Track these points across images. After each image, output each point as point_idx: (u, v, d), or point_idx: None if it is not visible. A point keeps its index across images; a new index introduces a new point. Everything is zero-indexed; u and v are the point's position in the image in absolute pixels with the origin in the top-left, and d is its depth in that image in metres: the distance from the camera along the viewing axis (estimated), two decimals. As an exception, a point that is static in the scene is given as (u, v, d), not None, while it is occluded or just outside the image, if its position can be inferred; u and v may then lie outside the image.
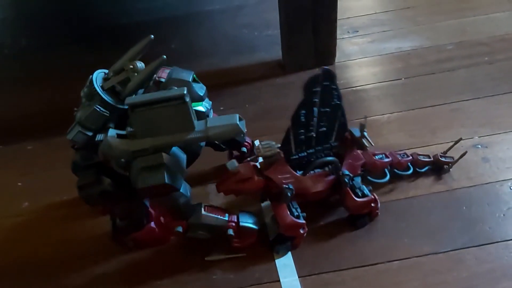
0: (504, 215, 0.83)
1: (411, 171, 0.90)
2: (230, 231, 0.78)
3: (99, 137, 0.71)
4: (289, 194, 0.77)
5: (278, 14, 1.21)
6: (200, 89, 0.79)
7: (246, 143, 0.94)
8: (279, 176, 0.78)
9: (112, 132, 0.70)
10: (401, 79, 1.18)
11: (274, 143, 0.78)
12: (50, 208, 0.95)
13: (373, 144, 0.82)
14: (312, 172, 0.81)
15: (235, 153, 0.94)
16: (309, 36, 1.18)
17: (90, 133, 0.73)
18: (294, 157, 0.80)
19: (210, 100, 0.82)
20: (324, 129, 0.80)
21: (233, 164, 0.76)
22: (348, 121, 0.81)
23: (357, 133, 0.83)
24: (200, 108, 0.78)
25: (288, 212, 0.78)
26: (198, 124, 0.69)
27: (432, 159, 0.91)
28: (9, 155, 1.10)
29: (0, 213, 0.95)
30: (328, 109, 0.79)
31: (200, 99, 0.78)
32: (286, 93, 1.16)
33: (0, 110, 1.25)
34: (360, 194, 0.81)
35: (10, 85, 1.35)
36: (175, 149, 0.72)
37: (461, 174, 0.90)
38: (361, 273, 0.77)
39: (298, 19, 1.16)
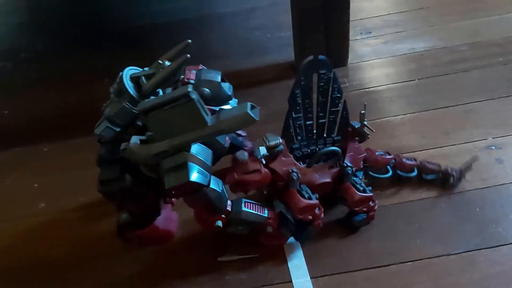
0: (517, 216, 0.82)
1: (414, 173, 0.89)
2: (269, 229, 0.79)
3: (123, 146, 0.72)
4: (294, 177, 0.78)
5: (290, 16, 1.21)
6: (228, 88, 0.80)
7: (246, 148, 0.93)
8: (284, 168, 0.79)
9: (134, 139, 0.71)
10: (414, 80, 1.17)
11: (278, 136, 0.79)
12: (66, 209, 0.96)
13: (373, 130, 0.82)
14: (316, 164, 0.81)
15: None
16: (321, 37, 1.19)
17: (118, 129, 0.75)
18: (296, 146, 0.81)
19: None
20: (324, 120, 0.81)
21: (243, 154, 0.77)
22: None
23: (357, 124, 0.83)
24: (228, 107, 0.78)
25: (299, 196, 0.78)
26: (211, 119, 0.70)
27: (440, 168, 0.89)
28: (25, 157, 1.11)
29: (17, 214, 0.96)
30: (326, 100, 0.80)
31: (228, 98, 0.79)
32: (299, 94, 1.16)
33: (17, 113, 1.27)
34: (361, 189, 0.81)
35: (26, 88, 1.37)
36: (197, 146, 0.71)
37: (475, 175, 0.90)
38: (373, 274, 0.77)
39: (310, 20, 1.16)
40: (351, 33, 1.21)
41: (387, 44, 1.31)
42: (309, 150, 0.83)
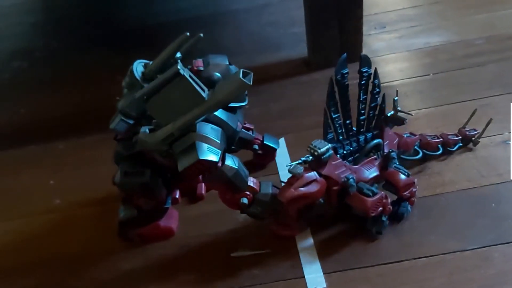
0: (534, 212, 0.81)
1: (440, 151, 0.91)
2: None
3: (135, 139, 0.73)
4: (352, 183, 0.77)
5: (303, 12, 1.21)
6: (235, 70, 0.81)
7: (256, 140, 0.93)
8: (336, 172, 0.78)
9: (143, 128, 0.72)
10: (429, 74, 1.16)
11: (325, 142, 0.78)
12: (81, 205, 0.97)
13: (412, 114, 0.85)
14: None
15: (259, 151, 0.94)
16: (335, 33, 1.18)
17: (131, 121, 0.76)
18: (339, 145, 0.81)
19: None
20: (364, 117, 0.82)
21: (298, 168, 0.75)
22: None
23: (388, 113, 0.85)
24: None
25: (364, 197, 0.77)
26: (207, 94, 0.70)
27: (460, 136, 0.93)
28: (41, 154, 1.12)
29: (33, 210, 0.98)
30: (366, 96, 0.81)
31: None
32: (311, 91, 1.16)
33: (33, 111, 1.28)
34: (406, 174, 0.81)
35: (41, 86, 1.38)
36: (205, 126, 0.72)
37: (490, 170, 0.89)
38: (386, 270, 0.76)
39: (323, 16, 1.16)
40: (365, 28, 1.21)
41: (402, 39, 1.30)
42: (351, 148, 0.83)
